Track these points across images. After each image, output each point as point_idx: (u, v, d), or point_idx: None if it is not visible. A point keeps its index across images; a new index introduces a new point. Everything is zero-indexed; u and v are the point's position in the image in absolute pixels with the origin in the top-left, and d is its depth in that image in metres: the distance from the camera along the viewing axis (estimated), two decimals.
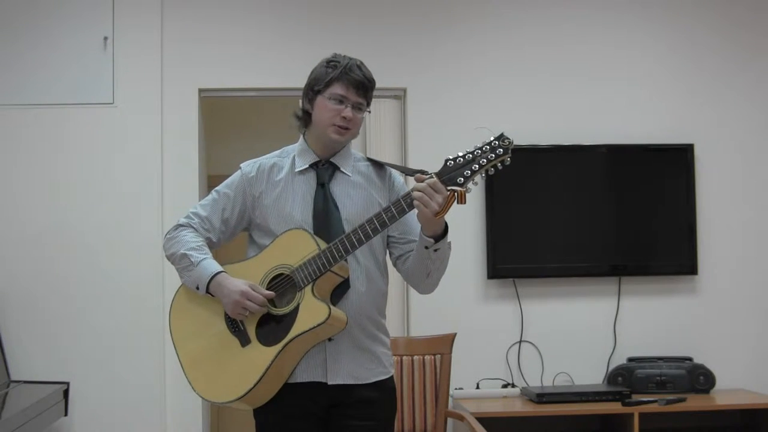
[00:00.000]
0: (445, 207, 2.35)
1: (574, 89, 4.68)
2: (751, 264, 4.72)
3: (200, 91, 4.55)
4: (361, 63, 2.55)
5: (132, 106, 4.45)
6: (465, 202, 2.37)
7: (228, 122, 5.92)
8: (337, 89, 2.48)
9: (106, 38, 4.45)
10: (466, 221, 4.57)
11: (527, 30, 4.70)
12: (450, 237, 4.49)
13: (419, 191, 2.31)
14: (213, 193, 2.61)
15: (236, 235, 2.64)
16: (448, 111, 4.59)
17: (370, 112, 2.59)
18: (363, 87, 2.50)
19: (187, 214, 2.61)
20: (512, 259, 4.56)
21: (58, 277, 4.35)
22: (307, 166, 2.55)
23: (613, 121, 4.68)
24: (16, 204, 4.38)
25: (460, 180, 2.33)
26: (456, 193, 2.34)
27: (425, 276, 2.52)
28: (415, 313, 4.52)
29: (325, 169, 2.55)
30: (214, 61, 4.54)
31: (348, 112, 2.48)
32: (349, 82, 2.48)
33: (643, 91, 4.72)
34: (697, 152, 4.67)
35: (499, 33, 4.69)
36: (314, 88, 2.52)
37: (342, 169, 2.56)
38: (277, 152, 2.63)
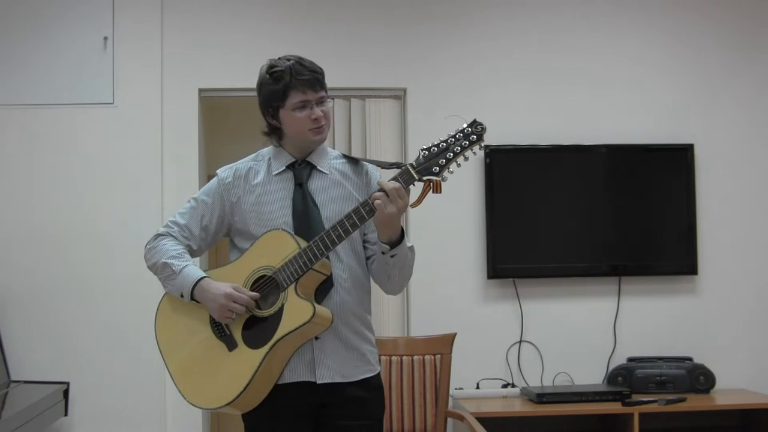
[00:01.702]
0: (420, 197, 2.36)
1: (574, 89, 4.68)
2: (751, 264, 4.72)
3: (200, 91, 4.55)
4: (301, 58, 2.51)
5: (132, 106, 4.46)
6: (440, 192, 2.35)
7: (228, 122, 5.91)
8: (296, 97, 2.46)
9: (106, 38, 4.45)
10: (466, 221, 4.57)
11: (527, 30, 4.70)
12: (450, 237, 4.45)
13: (378, 198, 2.32)
14: (191, 201, 2.61)
15: (216, 241, 2.64)
16: (448, 111, 4.57)
17: (332, 99, 2.56)
18: (318, 82, 2.48)
19: (165, 223, 2.61)
20: (512, 259, 4.56)
21: (57, 277, 4.35)
22: (283, 168, 2.55)
23: (613, 121, 4.68)
24: (16, 204, 4.38)
25: (435, 169, 2.33)
26: (432, 183, 2.34)
27: (386, 279, 2.52)
28: (415, 313, 4.53)
29: (302, 168, 2.55)
30: (214, 61, 4.54)
31: (316, 112, 2.48)
32: (304, 85, 2.46)
33: (643, 92, 4.72)
34: (697, 152, 4.67)
35: (499, 33, 4.69)
36: (273, 104, 2.50)
37: (319, 167, 2.56)
38: (251, 156, 2.63)
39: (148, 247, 2.59)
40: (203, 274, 2.49)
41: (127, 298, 4.36)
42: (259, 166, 2.58)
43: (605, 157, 4.66)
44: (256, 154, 2.64)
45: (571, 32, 4.71)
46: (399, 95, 4.69)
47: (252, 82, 4.52)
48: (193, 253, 2.59)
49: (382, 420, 2.61)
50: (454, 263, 4.54)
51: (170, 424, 4.38)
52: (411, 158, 4.53)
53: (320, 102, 2.49)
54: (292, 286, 2.39)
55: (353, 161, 2.61)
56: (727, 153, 4.73)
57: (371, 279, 2.60)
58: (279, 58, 2.52)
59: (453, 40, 4.66)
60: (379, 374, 2.59)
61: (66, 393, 4.16)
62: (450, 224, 4.51)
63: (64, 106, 4.43)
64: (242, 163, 2.62)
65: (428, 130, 4.58)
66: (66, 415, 4.17)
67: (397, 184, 2.33)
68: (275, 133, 2.57)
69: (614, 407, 4.21)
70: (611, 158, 4.66)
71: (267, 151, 2.62)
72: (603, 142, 4.63)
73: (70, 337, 4.33)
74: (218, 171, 2.62)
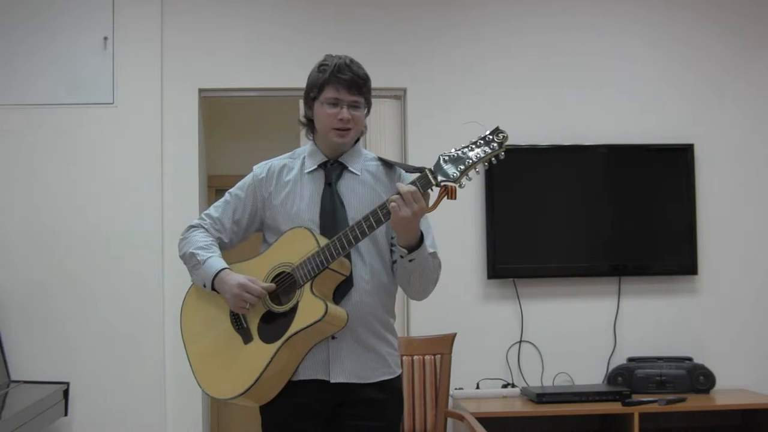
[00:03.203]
0: (435, 202, 2.36)
1: (574, 89, 4.68)
2: (751, 264, 4.72)
3: (200, 91, 4.55)
4: (351, 61, 2.54)
5: (132, 106, 4.45)
6: (455, 198, 2.35)
7: (228, 122, 5.92)
8: (330, 93, 2.49)
9: (106, 38, 4.45)
10: (466, 221, 4.57)
11: (527, 30, 4.70)
12: (450, 237, 4.45)
13: (395, 196, 2.32)
14: (226, 195, 2.67)
15: (249, 235, 2.68)
16: (448, 111, 4.59)
17: (367, 109, 2.57)
18: (355, 85, 2.50)
19: (200, 216, 2.67)
20: (512, 259, 4.56)
21: (58, 277, 4.35)
22: (316, 166, 2.58)
23: (613, 121, 4.68)
24: (15, 204, 4.38)
25: (454, 175, 2.32)
26: (447, 189, 2.33)
27: (407, 284, 2.53)
28: (415, 313, 4.53)
29: (333, 168, 2.57)
30: (214, 61, 4.54)
31: (344, 113, 2.49)
32: (339, 84, 2.48)
33: (643, 91, 4.72)
34: (697, 152, 4.67)
35: (499, 33, 4.69)
36: (310, 94, 2.55)
37: (350, 168, 2.58)
38: (288, 154, 2.67)
39: (180, 237, 2.65)
40: (225, 266, 2.53)
41: (127, 298, 4.36)
42: (294, 164, 2.62)
43: (605, 157, 4.66)
44: (292, 152, 2.67)
45: (571, 32, 4.71)
46: (399, 95, 4.69)
47: (252, 82, 4.58)
48: (224, 246, 2.64)
49: (398, 423, 2.61)
50: (454, 263, 4.53)
51: (170, 424, 4.38)
52: (411, 158, 4.56)
53: (353, 106, 2.51)
54: (308, 284, 2.42)
55: (387, 165, 2.62)
56: (727, 153, 4.73)
57: (398, 285, 2.61)
58: (334, 55, 2.55)
59: (453, 40, 4.66)
60: (399, 377, 2.60)
61: (66, 393, 4.16)
62: (450, 224, 4.50)
63: (64, 106, 4.43)
64: (278, 160, 2.65)
65: (428, 130, 4.59)
66: (66, 415, 4.17)
67: (412, 188, 2.33)
68: (310, 125, 2.60)
69: (614, 407, 4.21)
70: (611, 158, 4.66)
71: (303, 149, 2.65)
72: (603, 142, 4.63)
73: (70, 337, 4.33)
74: (254, 167, 2.67)
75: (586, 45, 4.72)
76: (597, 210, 4.64)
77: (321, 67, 2.53)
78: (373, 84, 4.67)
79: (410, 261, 2.42)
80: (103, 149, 4.44)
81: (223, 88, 4.61)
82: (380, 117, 4.66)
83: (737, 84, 4.77)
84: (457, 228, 4.56)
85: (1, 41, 4.42)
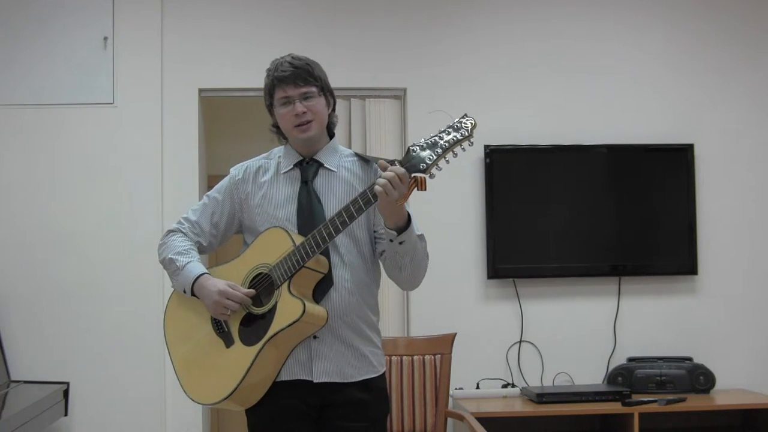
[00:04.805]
0: (405, 194, 2.32)
1: (574, 89, 4.68)
2: (751, 264, 4.72)
3: (200, 91, 4.55)
4: (292, 56, 2.53)
5: (132, 106, 4.46)
6: (425, 189, 2.31)
7: (228, 122, 5.91)
8: (278, 94, 2.50)
9: (106, 38, 4.45)
10: (466, 221, 4.57)
11: (527, 30, 4.70)
12: (450, 237, 4.47)
13: (384, 179, 2.28)
14: (204, 198, 2.66)
15: (228, 238, 2.66)
16: (448, 111, 4.57)
17: (324, 95, 2.52)
18: (299, 77, 2.48)
19: (178, 220, 2.65)
20: (512, 259, 4.56)
21: (58, 277, 4.35)
22: (291, 166, 2.57)
23: (613, 121, 4.68)
24: (15, 204, 4.38)
25: (422, 166, 2.30)
26: (417, 180, 2.30)
27: (398, 271, 2.48)
28: (415, 313, 4.53)
29: (309, 166, 2.56)
30: (214, 61, 4.54)
31: (298, 107, 2.48)
32: (283, 82, 2.48)
33: (643, 91, 4.72)
34: (697, 152, 4.67)
35: (499, 33, 4.69)
36: (266, 101, 2.56)
37: (326, 165, 2.56)
38: (264, 154, 2.66)
39: (159, 243, 2.64)
40: (203, 271, 2.52)
41: (126, 298, 4.36)
42: (269, 164, 2.61)
43: (605, 157, 4.66)
44: (268, 152, 2.66)
45: (570, 34, 4.71)
46: (399, 95, 4.69)
47: (252, 81, 4.56)
48: (203, 249, 2.62)
49: (384, 422, 2.60)
50: (454, 263, 4.54)
51: (170, 424, 4.38)
52: None
53: (305, 98, 2.49)
54: (286, 284, 2.41)
55: (364, 160, 2.60)
56: (727, 153, 4.73)
57: (388, 276, 2.57)
58: (278, 58, 2.54)
59: (453, 40, 4.66)
60: (382, 376, 2.58)
61: (66, 393, 4.16)
62: (450, 224, 4.51)
63: (64, 106, 4.43)
64: (253, 161, 2.65)
65: (428, 130, 4.57)
66: (66, 415, 4.17)
67: (401, 169, 2.29)
68: (279, 132, 2.60)
69: (614, 407, 4.21)
70: (611, 158, 4.66)
71: (278, 149, 2.64)
72: (603, 142, 4.63)
73: (70, 337, 4.33)
74: (231, 168, 2.66)
75: (587, 46, 4.72)
76: (597, 210, 4.64)
77: (266, 72, 2.54)
78: (373, 84, 4.71)
79: (400, 243, 2.39)
80: (103, 149, 4.44)
81: (223, 88, 4.61)
82: (380, 117, 4.65)
83: (737, 84, 4.77)
84: (457, 228, 4.56)
85: (1, 41, 4.42)
